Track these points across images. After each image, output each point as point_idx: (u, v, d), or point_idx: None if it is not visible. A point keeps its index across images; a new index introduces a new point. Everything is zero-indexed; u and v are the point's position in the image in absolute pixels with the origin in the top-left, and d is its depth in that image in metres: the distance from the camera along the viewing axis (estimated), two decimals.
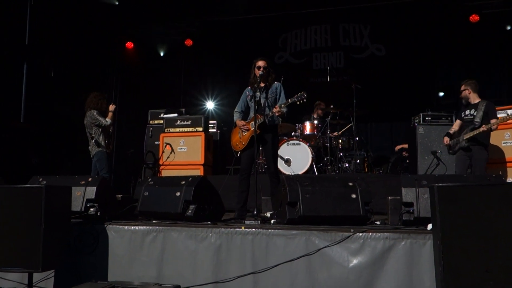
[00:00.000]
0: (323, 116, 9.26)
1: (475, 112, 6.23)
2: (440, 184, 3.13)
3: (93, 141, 6.93)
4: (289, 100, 5.44)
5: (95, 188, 4.61)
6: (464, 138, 6.20)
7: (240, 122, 5.61)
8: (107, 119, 6.95)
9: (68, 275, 4.25)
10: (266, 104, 5.54)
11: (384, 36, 11.88)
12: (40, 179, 4.84)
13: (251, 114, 5.55)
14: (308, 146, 8.15)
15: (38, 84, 8.75)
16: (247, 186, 5.47)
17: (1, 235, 3.77)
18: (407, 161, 8.74)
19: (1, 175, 5.25)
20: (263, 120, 5.40)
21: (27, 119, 8.20)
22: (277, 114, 5.37)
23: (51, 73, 9.07)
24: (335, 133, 8.92)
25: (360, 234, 3.76)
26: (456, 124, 6.65)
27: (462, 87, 6.55)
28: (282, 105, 5.41)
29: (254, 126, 5.29)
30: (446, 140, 6.58)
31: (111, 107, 7.09)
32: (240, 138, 5.62)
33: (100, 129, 6.93)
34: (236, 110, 5.76)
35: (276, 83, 5.67)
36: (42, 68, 8.98)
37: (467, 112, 6.44)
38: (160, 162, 7.84)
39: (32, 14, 8.25)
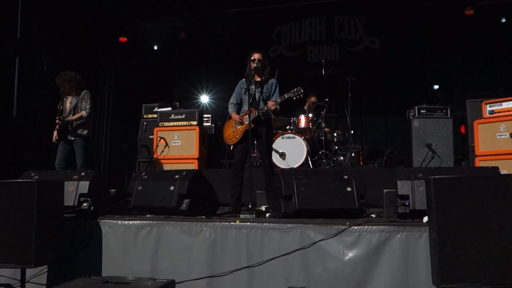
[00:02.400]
0: (316, 109, 9.24)
1: None
2: (436, 176, 3.11)
3: None
4: (285, 95, 5.43)
5: (88, 182, 4.57)
6: None
7: (235, 116, 5.57)
8: None
9: (61, 271, 4.21)
10: (261, 98, 5.52)
11: (379, 29, 11.84)
12: (32, 174, 4.79)
13: (245, 108, 5.52)
14: (303, 139, 8.12)
15: (31, 78, 8.67)
16: (241, 180, 5.45)
17: None
18: None
19: None
20: (258, 114, 5.38)
21: (20, 114, 8.12)
22: (272, 108, 5.34)
23: (43, 67, 8.98)
24: (326, 129, 8.88)
25: (356, 227, 3.74)
26: None
27: None
28: (278, 100, 5.39)
29: (248, 120, 5.26)
30: None
31: None
32: (233, 132, 5.58)
33: None
34: (231, 101, 5.72)
35: (272, 80, 5.64)
36: (35, 62, 8.89)
37: None
38: (154, 156, 7.78)
39: (24, 8, 8.16)
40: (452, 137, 7.60)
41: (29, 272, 4.04)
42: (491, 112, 6.70)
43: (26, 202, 3.68)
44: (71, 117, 6.27)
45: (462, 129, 8.38)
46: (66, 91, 6.48)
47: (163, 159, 7.72)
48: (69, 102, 6.44)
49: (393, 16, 11.29)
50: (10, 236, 3.69)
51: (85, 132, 6.32)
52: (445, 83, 11.59)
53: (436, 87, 11.67)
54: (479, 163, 6.78)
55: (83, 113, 6.30)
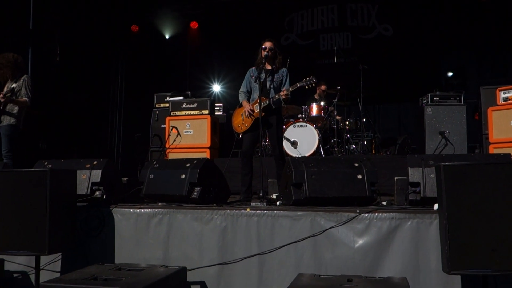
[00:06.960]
0: (327, 97, 9.20)
1: None
2: (447, 163, 3.09)
3: None
4: (298, 84, 5.43)
5: (100, 171, 4.60)
6: None
7: (246, 105, 5.54)
8: None
9: (75, 258, 4.28)
10: (272, 87, 5.51)
11: (392, 16, 11.73)
12: (46, 163, 4.84)
13: (254, 96, 5.52)
14: (315, 128, 8.10)
15: (44, 69, 8.73)
16: (250, 168, 5.46)
17: (8, 219, 3.79)
18: None
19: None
20: (268, 102, 5.37)
21: (33, 104, 8.19)
22: (283, 97, 5.35)
23: (56, 58, 9.04)
24: (338, 117, 8.85)
25: (366, 215, 3.73)
26: None
27: None
28: (290, 89, 5.39)
29: (258, 108, 5.26)
30: None
31: None
32: (243, 120, 5.59)
33: None
34: (241, 90, 5.72)
35: (283, 68, 5.63)
36: (47, 53, 8.95)
37: None
38: (167, 146, 7.83)
39: None
40: (466, 124, 7.53)
41: (44, 259, 4.10)
42: (506, 99, 6.62)
43: (39, 190, 3.72)
44: (15, 98, 5.77)
45: (477, 117, 8.30)
46: (4, 76, 6.02)
47: (175, 148, 7.76)
48: (6, 87, 5.96)
49: (406, 3, 11.21)
50: (25, 224, 3.74)
51: (14, 119, 5.87)
52: (459, 70, 11.44)
53: (450, 74, 11.53)
54: (493, 150, 6.72)
55: (27, 100, 5.92)
